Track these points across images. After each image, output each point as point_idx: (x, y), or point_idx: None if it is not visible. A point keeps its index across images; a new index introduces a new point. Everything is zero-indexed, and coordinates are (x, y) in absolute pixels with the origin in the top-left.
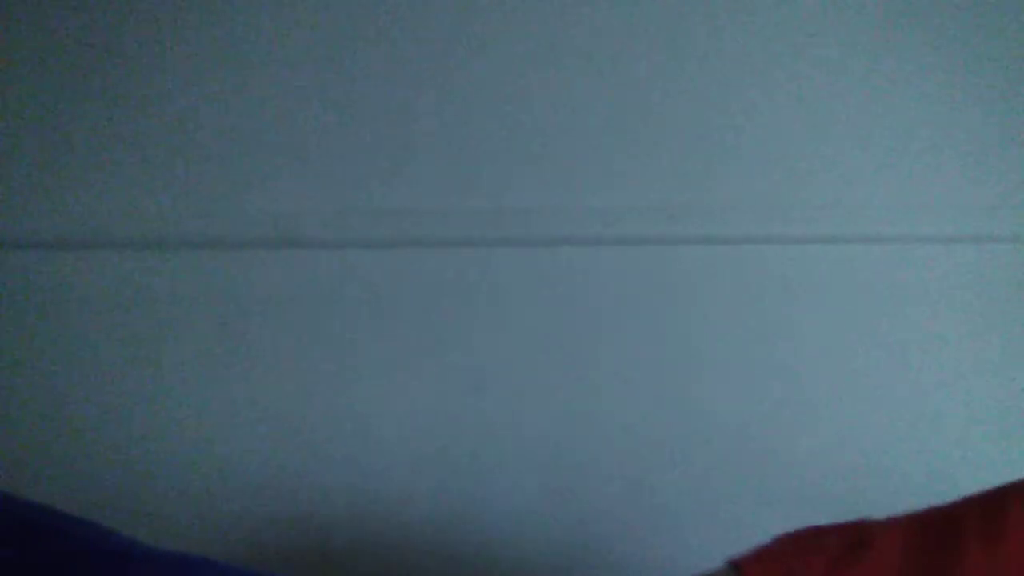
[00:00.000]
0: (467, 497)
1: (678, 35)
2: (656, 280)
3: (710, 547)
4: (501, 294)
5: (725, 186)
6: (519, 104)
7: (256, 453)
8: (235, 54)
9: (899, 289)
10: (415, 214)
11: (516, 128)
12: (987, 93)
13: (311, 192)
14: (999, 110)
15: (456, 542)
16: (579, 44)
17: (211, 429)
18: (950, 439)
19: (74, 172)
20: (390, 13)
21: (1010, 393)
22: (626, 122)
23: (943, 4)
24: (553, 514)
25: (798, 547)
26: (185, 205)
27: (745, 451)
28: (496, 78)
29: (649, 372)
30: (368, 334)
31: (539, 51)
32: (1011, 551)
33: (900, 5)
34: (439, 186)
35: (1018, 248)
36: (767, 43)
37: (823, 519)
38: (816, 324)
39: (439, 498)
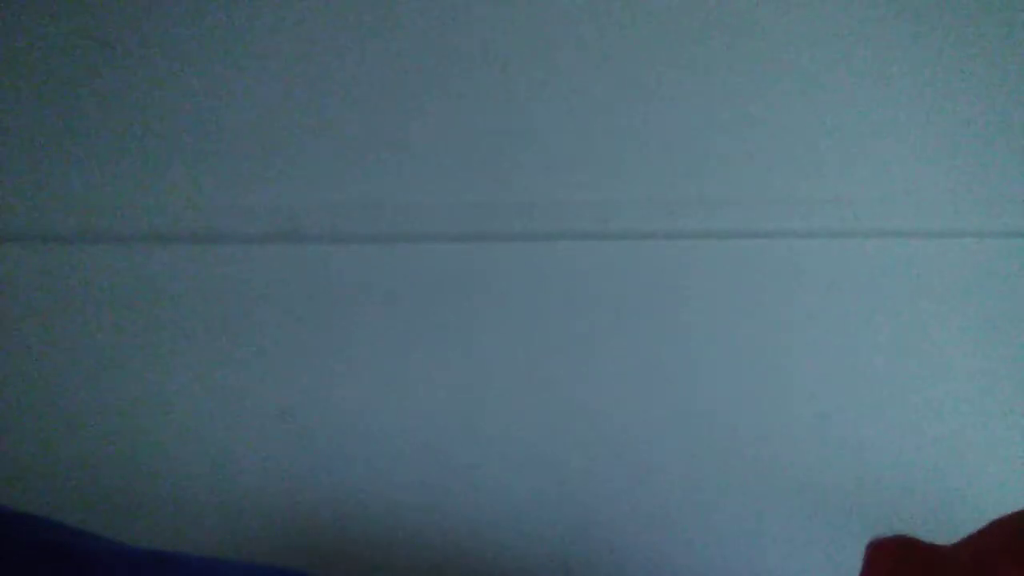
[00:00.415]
0: (465, 494)
1: (676, 30)
2: (655, 275)
3: (710, 546)
4: (500, 289)
5: (724, 181)
6: (518, 99)
7: (252, 447)
8: (234, 48)
9: (900, 284)
10: (414, 208)
11: (515, 123)
12: (989, 87)
13: (310, 186)
14: (1001, 104)
15: (453, 540)
16: (577, 39)
17: (207, 423)
18: (951, 436)
19: (71, 166)
20: (389, 8)
21: (1012, 389)
22: (625, 116)
23: None
24: (551, 511)
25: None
26: (182, 199)
27: (745, 448)
28: (495, 73)
29: (648, 367)
30: (366, 328)
31: (538, 46)
32: None
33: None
34: (438, 181)
35: (1020, 243)
36: (766, 37)
37: (823, 518)
38: (816, 319)
39: (436, 494)
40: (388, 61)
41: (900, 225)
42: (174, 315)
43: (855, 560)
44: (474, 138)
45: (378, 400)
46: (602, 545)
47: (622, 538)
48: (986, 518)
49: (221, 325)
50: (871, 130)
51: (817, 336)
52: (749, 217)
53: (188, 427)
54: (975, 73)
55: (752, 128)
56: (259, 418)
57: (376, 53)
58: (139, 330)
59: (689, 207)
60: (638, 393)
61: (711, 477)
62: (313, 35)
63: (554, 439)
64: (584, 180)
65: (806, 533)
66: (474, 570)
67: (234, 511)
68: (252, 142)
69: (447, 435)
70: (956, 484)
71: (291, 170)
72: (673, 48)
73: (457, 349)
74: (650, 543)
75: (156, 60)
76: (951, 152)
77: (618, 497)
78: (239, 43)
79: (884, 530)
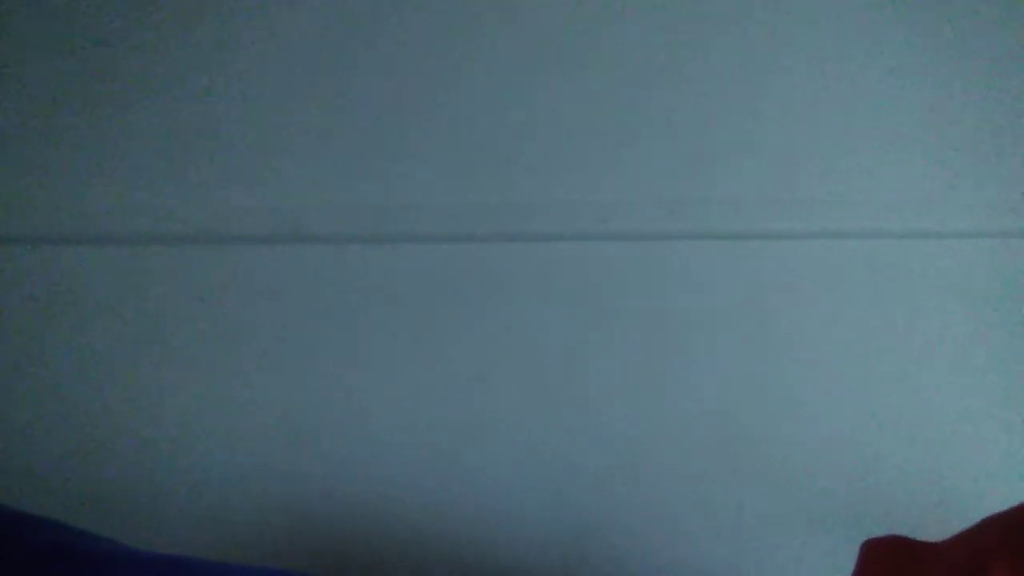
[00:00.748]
0: (465, 494)
1: (677, 30)
2: (655, 275)
3: (710, 546)
4: (500, 289)
5: (725, 181)
6: (519, 100)
7: (253, 448)
8: (234, 48)
9: (900, 284)
10: (415, 209)
11: (516, 124)
12: (989, 87)
13: (311, 187)
14: (1001, 104)
15: (453, 540)
16: (577, 39)
17: (208, 423)
18: (950, 436)
19: (71, 166)
20: (391, 8)
21: (1011, 389)
22: (625, 117)
23: None
24: (551, 511)
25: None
26: (182, 200)
27: (745, 448)
28: (496, 74)
29: (648, 367)
30: (366, 329)
31: (538, 47)
32: None
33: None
34: (438, 181)
35: (1020, 243)
36: (768, 37)
37: (822, 517)
38: (816, 319)
39: (437, 494)
40: (388, 61)
41: (900, 225)
42: (174, 315)
43: (852, 562)
44: (474, 138)
45: (378, 400)
46: (602, 545)
47: (622, 538)
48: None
49: (222, 325)
50: (871, 130)
51: (817, 336)
52: (749, 217)
53: (188, 427)
54: (975, 73)
55: (752, 128)
56: (259, 418)
57: (376, 53)
58: (139, 330)
59: (689, 207)
60: (638, 393)
61: (711, 477)
62: (313, 35)
63: (554, 439)
64: (584, 180)
65: (804, 534)
66: (474, 570)
67: (234, 512)
68: (252, 142)
69: (447, 435)
70: (956, 484)
71: (292, 171)
72: (673, 48)
73: (457, 349)
74: (650, 543)
75: (156, 60)
76: (951, 152)
77: (618, 497)
78: (240, 43)
79: (882, 530)
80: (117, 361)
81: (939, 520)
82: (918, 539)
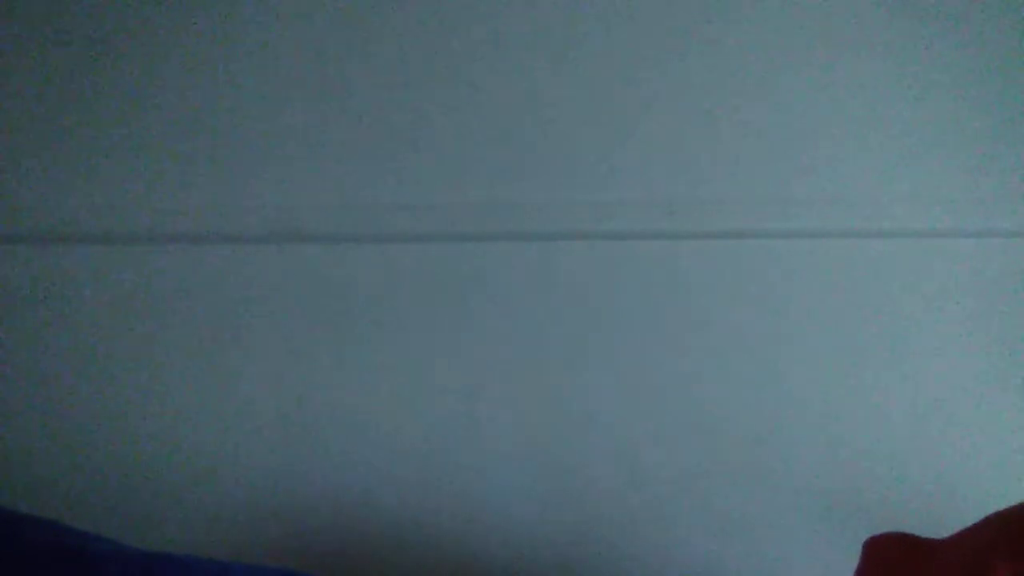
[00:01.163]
0: (465, 494)
1: (677, 29)
2: (654, 275)
3: (709, 545)
4: (500, 289)
5: (723, 181)
6: (517, 100)
7: (252, 448)
8: (234, 49)
9: (899, 284)
10: (413, 209)
11: (514, 124)
12: (989, 87)
13: (309, 187)
14: (999, 104)
15: (453, 540)
16: (577, 39)
17: (207, 423)
18: (950, 435)
19: (71, 166)
20: (391, 8)
21: (1011, 389)
22: (624, 116)
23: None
24: (550, 509)
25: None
26: (182, 200)
27: (743, 447)
28: (494, 75)
29: (647, 367)
30: (365, 329)
31: (537, 47)
32: None
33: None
34: (437, 181)
35: (1019, 243)
36: (766, 38)
37: (822, 517)
38: (816, 319)
39: (436, 494)
40: (389, 62)
41: (899, 225)
42: (174, 315)
43: (852, 560)
44: (475, 138)
45: (378, 400)
46: (602, 545)
47: (622, 538)
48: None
49: (221, 325)
50: (870, 130)
51: (816, 335)
52: (749, 217)
53: (188, 427)
54: (975, 73)
55: (752, 129)
56: (259, 418)
57: (377, 54)
58: (138, 330)
59: (689, 207)
60: (637, 392)
61: (711, 477)
62: (313, 36)
63: (554, 439)
64: (584, 180)
65: (805, 532)
66: (474, 570)
67: (234, 511)
68: (253, 142)
69: (447, 435)
70: (955, 483)
71: (292, 171)
72: (673, 48)
73: (457, 349)
74: (650, 543)
75: (156, 60)
76: (950, 152)
77: (618, 497)
78: (240, 43)
79: (882, 529)
80: (116, 361)
81: (940, 519)
82: (920, 536)
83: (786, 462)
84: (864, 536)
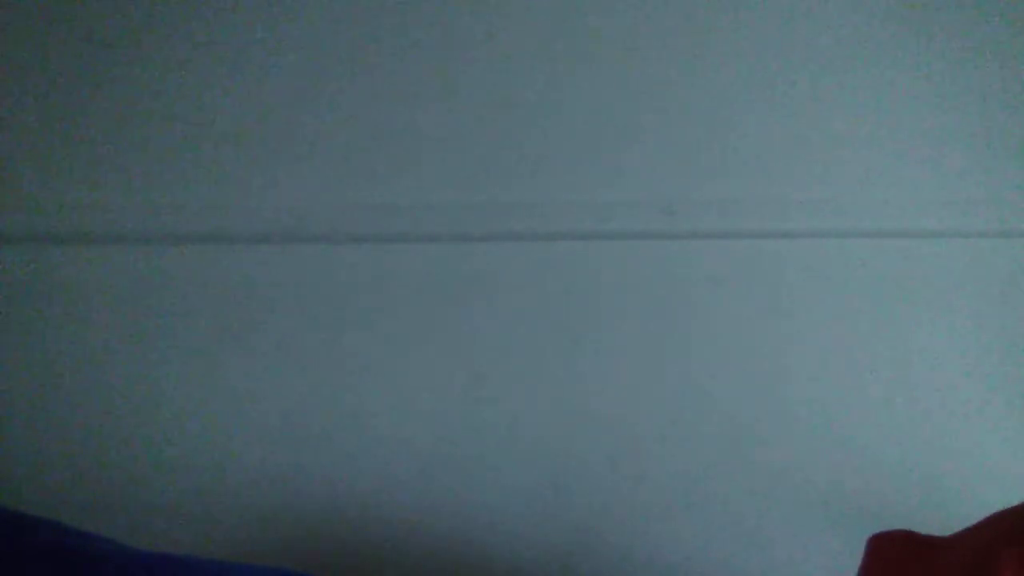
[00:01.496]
0: (465, 494)
1: (677, 30)
2: (654, 275)
3: (710, 545)
4: (500, 289)
5: (723, 181)
6: (519, 100)
7: (255, 448)
8: (234, 48)
9: (899, 284)
10: (415, 209)
11: (516, 124)
12: (989, 87)
13: (311, 187)
14: (1000, 104)
15: (453, 540)
16: (578, 39)
17: (207, 423)
18: (950, 435)
19: (71, 166)
20: (391, 9)
21: (1010, 389)
22: (624, 117)
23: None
24: (550, 508)
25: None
26: (185, 200)
27: (743, 447)
28: (496, 75)
29: (647, 367)
30: (366, 328)
31: (538, 47)
32: None
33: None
34: (439, 181)
35: (1019, 243)
36: (767, 38)
37: (822, 517)
38: (816, 319)
39: (437, 494)
40: (389, 61)
41: (899, 225)
42: (174, 315)
43: (855, 558)
44: (474, 138)
45: (378, 400)
46: (602, 545)
47: (622, 538)
48: (984, 516)
49: (221, 325)
50: (870, 130)
51: (816, 335)
52: (749, 217)
53: (188, 427)
54: (975, 73)
55: (752, 129)
56: (259, 418)
57: (377, 53)
58: (139, 330)
59: (689, 207)
60: (638, 393)
61: (711, 476)
62: (313, 36)
63: (554, 439)
64: (584, 180)
65: (806, 532)
66: (474, 570)
67: (234, 511)
68: (253, 142)
69: (447, 435)
70: (955, 483)
71: (292, 170)
72: (673, 49)
73: (457, 349)
74: (650, 543)
75: (156, 60)
76: (950, 152)
77: (618, 497)
78: (240, 43)
79: (885, 527)
80: (117, 361)
81: (940, 518)
82: (924, 534)
83: (787, 461)
84: (867, 534)
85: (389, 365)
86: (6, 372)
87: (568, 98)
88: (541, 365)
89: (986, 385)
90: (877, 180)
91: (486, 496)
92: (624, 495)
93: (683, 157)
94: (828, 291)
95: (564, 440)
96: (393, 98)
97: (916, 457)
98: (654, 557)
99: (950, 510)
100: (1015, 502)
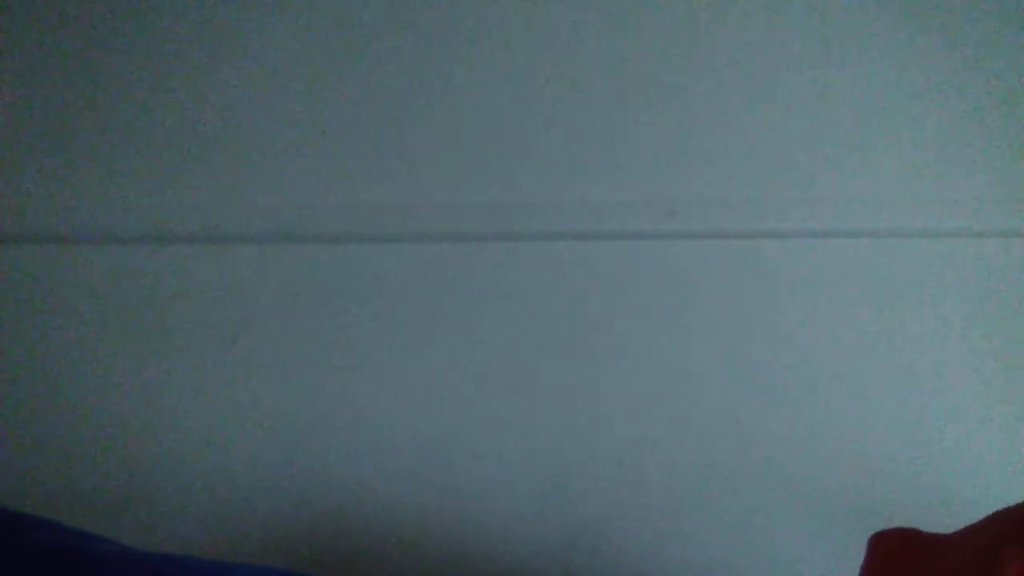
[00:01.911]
0: (465, 494)
1: (679, 30)
2: (655, 275)
3: (710, 545)
4: (500, 289)
5: (723, 181)
6: (520, 100)
7: (255, 448)
8: (234, 48)
9: (899, 284)
10: (414, 209)
11: (517, 124)
12: (987, 87)
13: (310, 187)
14: (1000, 104)
15: (453, 540)
16: (578, 39)
17: (207, 423)
18: (950, 435)
19: (72, 166)
20: (391, 8)
21: (1011, 389)
22: (626, 117)
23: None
24: (551, 511)
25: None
26: (187, 200)
27: (745, 447)
28: (498, 75)
29: (647, 367)
30: (366, 328)
31: (538, 47)
32: None
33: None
34: (438, 181)
35: (1019, 243)
36: (768, 38)
37: (823, 517)
38: (816, 319)
39: (436, 494)
40: (388, 62)
41: (899, 225)
42: (174, 315)
43: (855, 558)
44: (474, 138)
45: (378, 400)
46: (602, 545)
47: (622, 538)
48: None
49: (221, 325)
50: (870, 131)
51: (816, 335)
52: (749, 217)
53: (188, 427)
54: (975, 73)
55: (752, 128)
56: (259, 418)
57: (376, 53)
58: (139, 330)
59: (690, 207)
60: (637, 392)
61: (711, 476)
62: (313, 36)
63: (554, 439)
64: (584, 180)
65: (807, 531)
66: (474, 570)
67: (233, 511)
68: (253, 143)
69: (447, 434)
70: (955, 483)
71: (292, 171)
72: (674, 48)
73: (457, 349)
74: (650, 543)
75: (156, 60)
76: (950, 152)
77: (618, 496)
78: (239, 43)
79: (886, 526)
80: (117, 361)
81: (940, 518)
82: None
83: (787, 461)
84: (865, 536)
85: (389, 365)
86: (6, 372)
87: (568, 98)
88: (541, 365)
89: (986, 385)
90: (877, 180)
91: (486, 496)
92: (625, 495)
93: (683, 157)
94: (828, 291)
95: (565, 439)
96: (393, 98)
97: (917, 457)
98: (655, 557)
99: (950, 510)
100: (1015, 502)
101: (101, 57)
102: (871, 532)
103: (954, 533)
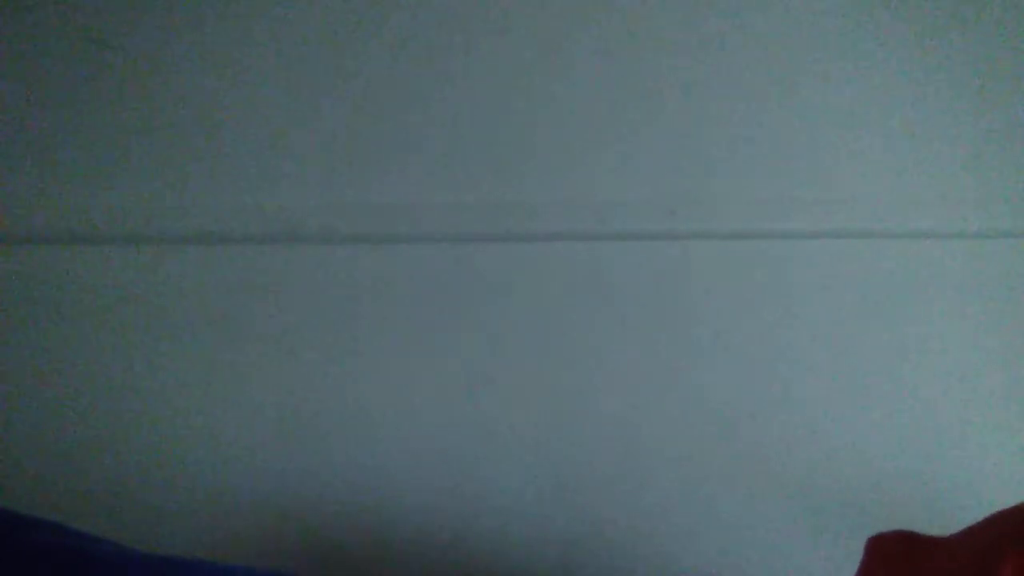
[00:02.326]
0: (465, 492)
1: (679, 29)
2: (656, 275)
3: (711, 545)
4: (499, 289)
5: (724, 181)
6: (518, 100)
7: (252, 449)
8: (234, 48)
9: (899, 284)
10: (414, 209)
11: (515, 123)
12: (988, 87)
13: (310, 187)
14: (998, 104)
15: (453, 540)
16: (578, 38)
17: (209, 425)
18: (950, 436)
19: (71, 166)
20: (391, 8)
21: (1010, 389)
22: (626, 116)
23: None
24: (551, 511)
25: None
26: (182, 200)
27: (745, 447)
28: (495, 74)
29: (647, 367)
30: (366, 329)
31: (538, 46)
32: None
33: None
34: (438, 181)
35: (1019, 243)
36: (767, 38)
37: (823, 517)
38: (816, 319)
39: (436, 494)
40: (388, 61)
41: (899, 225)
42: (174, 315)
43: (855, 558)
44: (474, 138)
45: (377, 400)
46: (602, 545)
47: (622, 538)
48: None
49: (221, 325)
50: (870, 131)
51: (816, 336)
52: (749, 217)
53: (188, 427)
54: (974, 74)
55: (752, 128)
56: (259, 418)
57: (376, 53)
58: (139, 330)
59: (691, 207)
60: (639, 393)
61: (711, 476)
62: (313, 35)
63: (554, 440)
64: (584, 180)
65: (806, 532)
66: (474, 570)
67: (233, 511)
68: (252, 142)
69: (447, 435)
70: (955, 484)
71: (291, 171)
72: (673, 48)
73: (457, 349)
74: (651, 543)
75: (156, 60)
76: (950, 152)
77: (618, 496)
78: (239, 43)
79: (885, 528)
80: (117, 361)
81: (940, 519)
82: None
83: (788, 461)
84: (863, 539)
85: (390, 365)
86: (6, 372)
87: (569, 98)
88: (542, 365)
89: (986, 385)
90: (877, 180)
91: (487, 496)
92: (625, 495)
93: (684, 157)
94: (828, 291)
95: (565, 440)
96: (392, 98)
97: (916, 457)
98: (655, 557)
99: (950, 510)
100: (1015, 502)
101: (101, 57)
102: (869, 534)
103: (952, 536)
